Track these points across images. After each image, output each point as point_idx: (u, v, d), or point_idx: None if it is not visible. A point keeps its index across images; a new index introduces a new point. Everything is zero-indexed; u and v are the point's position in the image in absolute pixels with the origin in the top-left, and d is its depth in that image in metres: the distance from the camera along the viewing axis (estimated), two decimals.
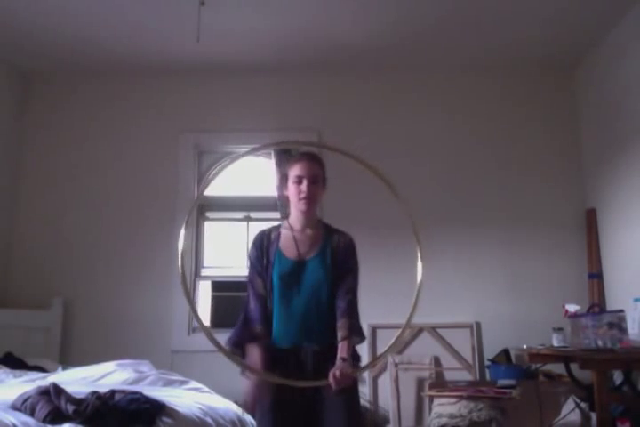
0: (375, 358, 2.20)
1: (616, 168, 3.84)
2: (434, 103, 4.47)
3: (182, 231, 2.23)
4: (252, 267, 2.24)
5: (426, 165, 4.33)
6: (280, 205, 4.17)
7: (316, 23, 3.82)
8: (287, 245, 2.20)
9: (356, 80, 4.49)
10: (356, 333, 2.08)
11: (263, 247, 2.23)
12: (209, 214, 4.47)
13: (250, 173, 4.50)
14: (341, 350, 2.03)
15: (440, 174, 4.32)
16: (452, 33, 3.95)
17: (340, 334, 2.06)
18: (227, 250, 4.44)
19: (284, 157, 4.24)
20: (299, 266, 2.16)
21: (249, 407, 2.15)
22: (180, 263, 2.19)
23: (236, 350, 2.15)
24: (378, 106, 4.46)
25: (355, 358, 2.13)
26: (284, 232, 2.25)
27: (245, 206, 4.46)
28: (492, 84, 4.49)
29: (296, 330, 2.11)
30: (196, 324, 4.18)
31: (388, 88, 4.49)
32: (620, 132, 3.78)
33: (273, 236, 2.24)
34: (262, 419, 2.11)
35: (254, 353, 2.10)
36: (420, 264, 2.21)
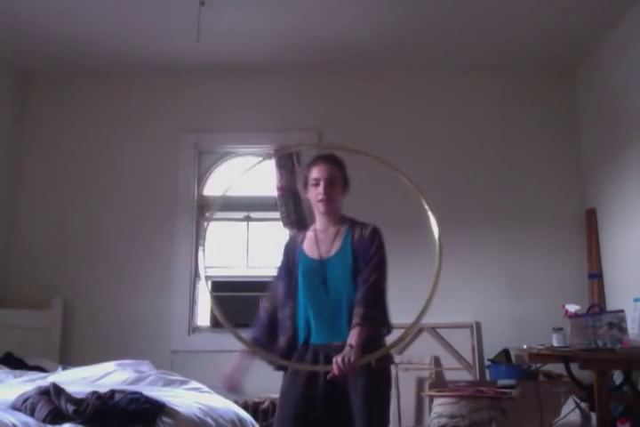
0: (381, 350, 2.18)
1: (616, 168, 3.84)
2: (434, 103, 4.47)
3: (201, 253, 2.23)
4: (278, 275, 2.29)
5: (426, 164, 4.32)
6: (280, 205, 4.17)
7: (317, 23, 3.82)
8: (309, 246, 2.25)
9: (356, 80, 4.49)
10: (369, 321, 2.03)
11: (289, 252, 2.29)
12: (209, 214, 4.46)
13: (250, 173, 4.48)
14: (350, 337, 2.02)
15: (440, 174, 4.31)
16: (453, 33, 3.95)
17: (353, 322, 2.04)
18: (227, 250, 4.44)
19: (285, 158, 4.24)
20: (321, 265, 2.17)
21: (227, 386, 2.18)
22: (206, 286, 2.18)
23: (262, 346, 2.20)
24: (378, 106, 4.46)
25: (370, 346, 2.07)
26: (309, 234, 2.30)
27: (245, 206, 4.45)
28: (492, 84, 4.49)
29: (326, 327, 2.12)
30: (195, 323, 4.18)
31: (389, 88, 4.49)
32: (621, 132, 3.78)
33: (299, 239, 2.31)
34: (281, 410, 2.13)
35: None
36: (435, 227, 2.20)
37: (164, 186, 4.35)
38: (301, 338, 2.16)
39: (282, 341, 2.17)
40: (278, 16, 3.72)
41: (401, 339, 2.21)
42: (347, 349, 1.99)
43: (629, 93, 3.67)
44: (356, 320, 2.04)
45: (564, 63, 4.36)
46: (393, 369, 3.84)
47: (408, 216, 4.12)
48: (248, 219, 4.46)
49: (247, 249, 4.37)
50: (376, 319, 2.09)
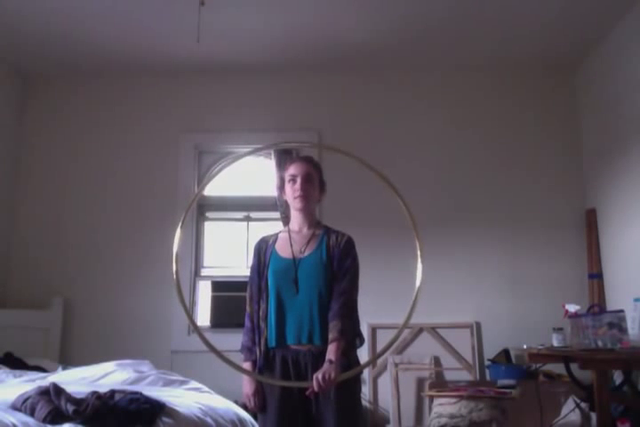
0: (362, 365, 2.19)
1: (616, 168, 3.84)
2: (434, 103, 4.47)
3: (178, 231, 2.24)
4: (250, 277, 2.28)
5: (425, 164, 4.33)
6: (280, 205, 4.17)
7: (317, 23, 3.82)
8: (283, 246, 2.24)
9: (356, 80, 4.49)
10: (347, 335, 2.06)
11: (261, 253, 2.27)
12: (209, 214, 4.47)
13: (250, 173, 4.50)
14: (329, 352, 2.02)
15: (440, 174, 4.32)
16: (453, 33, 3.95)
17: (330, 336, 2.04)
18: (227, 250, 4.44)
19: (285, 157, 4.25)
20: (294, 264, 2.17)
21: (251, 407, 2.17)
22: (174, 268, 2.20)
23: (249, 355, 2.19)
24: (378, 106, 4.46)
25: (350, 361, 2.11)
26: (282, 235, 2.29)
27: (245, 206, 4.46)
28: (492, 84, 4.49)
29: (295, 329, 2.11)
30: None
31: (389, 88, 4.49)
32: (621, 132, 3.78)
33: (271, 240, 2.29)
34: (264, 421, 2.13)
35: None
36: (420, 266, 2.20)
37: (164, 186, 4.35)
38: (272, 341, 2.13)
39: (261, 345, 2.16)
40: (278, 16, 3.72)
41: (379, 355, 2.22)
42: (326, 364, 1.99)
43: (629, 93, 3.67)
44: (334, 335, 2.03)
45: (563, 63, 4.36)
46: (393, 369, 3.89)
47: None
48: (248, 219, 4.46)
49: (247, 249, 4.37)
50: (352, 332, 2.11)
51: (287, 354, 2.11)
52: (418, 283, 2.19)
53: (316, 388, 1.95)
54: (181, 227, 2.26)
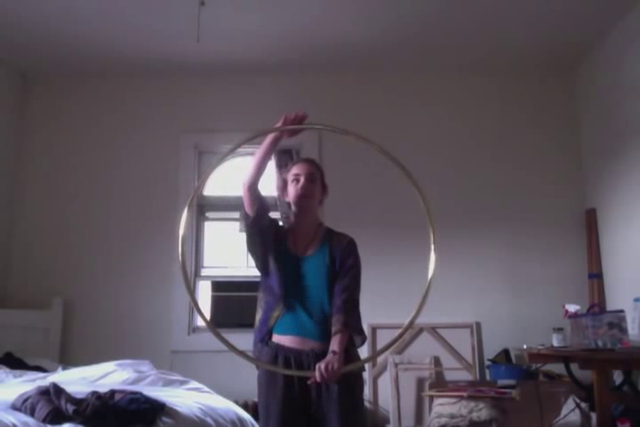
0: (366, 358, 2.17)
1: (616, 168, 3.84)
2: (434, 104, 4.47)
3: (185, 211, 2.20)
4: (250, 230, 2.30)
5: (426, 165, 4.31)
6: (280, 205, 4.17)
7: (316, 23, 3.82)
8: (289, 241, 2.24)
9: (357, 80, 4.49)
10: (350, 328, 2.06)
11: (278, 226, 2.28)
12: (209, 214, 4.46)
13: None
14: (333, 343, 2.02)
15: (440, 174, 4.31)
16: (453, 33, 3.95)
17: (333, 329, 2.05)
18: (227, 250, 4.44)
19: (284, 158, 4.26)
20: (297, 263, 2.18)
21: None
22: (180, 249, 2.16)
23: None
24: (378, 106, 4.46)
25: (351, 358, 2.10)
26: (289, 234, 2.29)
27: None
28: (492, 84, 4.49)
29: (295, 327, 2.11)
30: (195, 323, 4.18)
31: (389, 89, 4.49)
32: (620, 132, 3.78)
33: (283, 229, 2.29)
34: (267, 420, 2.13)
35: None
36: (433, 256, 2.17)
37: (164, 186, 4.35)
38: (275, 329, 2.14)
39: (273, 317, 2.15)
40: (278, 16, 3.72)
41: (385, 349, 2.20)
42: (330, 355, 1.98)
43: (629, 93, 3.67)
44: (337, 327, 2.04)
45: (563, 63, 4.36)
46: (393, 369, 3.89)
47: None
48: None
49: (247, 250, 4.36)
50: (356, 327, 2.11)
51: (290, 355, 2.11)
52: (430, 273, 2.17)
53: (318, 378, 1.94)
54: (189, 206, 2.22)
